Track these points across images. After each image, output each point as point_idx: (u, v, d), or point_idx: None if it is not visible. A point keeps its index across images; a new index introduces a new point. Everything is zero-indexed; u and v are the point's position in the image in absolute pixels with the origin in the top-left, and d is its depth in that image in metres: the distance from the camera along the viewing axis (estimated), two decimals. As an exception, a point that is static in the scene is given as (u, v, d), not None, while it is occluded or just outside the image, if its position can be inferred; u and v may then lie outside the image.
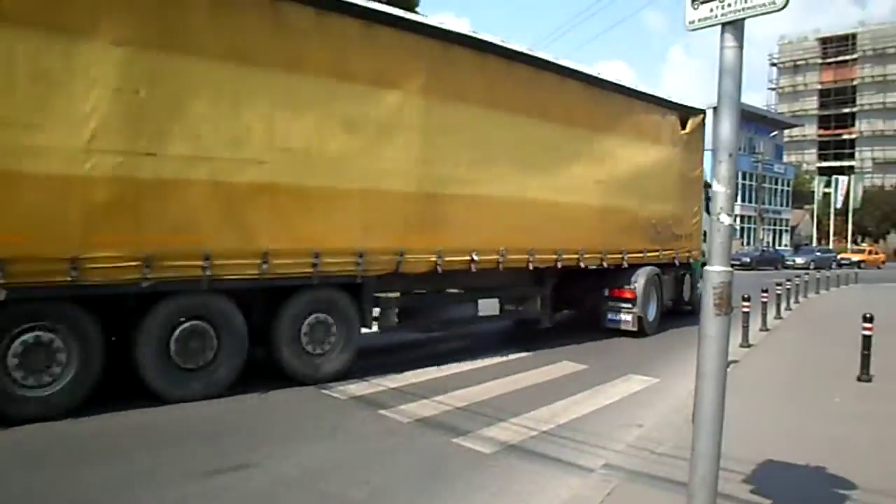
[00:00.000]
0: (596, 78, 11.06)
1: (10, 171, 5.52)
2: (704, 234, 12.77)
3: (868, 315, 8.32)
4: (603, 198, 11.04)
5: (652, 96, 12.43)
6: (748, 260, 39.64)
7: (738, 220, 48.66)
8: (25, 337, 5.80)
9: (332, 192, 7.53)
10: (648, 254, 12.12)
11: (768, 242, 55.06)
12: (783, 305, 15.26)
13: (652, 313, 12.15)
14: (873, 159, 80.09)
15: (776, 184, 58.98)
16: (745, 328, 10.70)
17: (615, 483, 4.65)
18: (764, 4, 3.37)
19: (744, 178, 51.03)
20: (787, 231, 61.58)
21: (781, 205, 60.11)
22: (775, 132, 57.97)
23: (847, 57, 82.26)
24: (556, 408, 6.95)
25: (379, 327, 8.70)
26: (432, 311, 9.96)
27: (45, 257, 5.70)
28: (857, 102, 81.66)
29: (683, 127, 12.87)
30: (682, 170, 12.86)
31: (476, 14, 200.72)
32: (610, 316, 11.74)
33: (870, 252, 53.52)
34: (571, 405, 7.11)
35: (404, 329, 9.73)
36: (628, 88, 11.82)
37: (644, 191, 11.87)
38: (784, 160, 64.92)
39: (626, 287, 11.59)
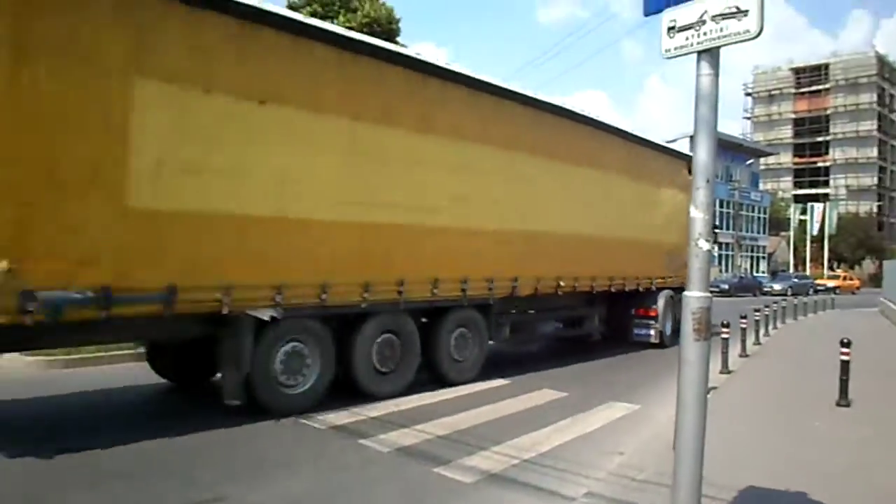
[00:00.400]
0: (633, 135, 13.40)
1: (294, 219, 7.33)
2: None
3: (846, 340, 8.39)
4: (640, 234, 13.45)
5: (669, 149, 15.19)
6: (727, 286, 39.89)
7: (716, 247, 49.03)
8: (286, 347, 7.46)
9: (480, 232, 9.65)
10: (668, 279, 14.33)
11: (746, 269, 55.60)
12: (762, 331, 15.36)
13: (668, 328, 14.16)
14: (847, 186, 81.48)
15: (753, 211, 59.71)
16: (725, 354, 10.73)
17: (597, 512, 4.61)
18: (738, 33, 3.43)
19: (721, 206, 51.56)
20: (764, 258, 62.23)
21: (758, 232, 60.79)
22: (751, 160, 58.82)
23: (820, 87, 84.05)
24: (537, 436, 6.90)
25: (495, 341, 10.62)
26: (529, 327, 11.78)
27: (307, 284, 7.39)
28: (831, 131, 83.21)
29: (690, 173, 14.24)
30: (688, 208, 14.22)
31: (455, 44, 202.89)
32: (636, 331, 13.91)
33: (845, 278, 54.20)
34: (553, 433, 7.06)
35: (510, 342, 11.60)
36: (653, 143, 14.47)
37: (664, 227, 14.17)
38: (760, 188, 65.79)
39: (652, 307, 13.82)
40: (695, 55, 3.62)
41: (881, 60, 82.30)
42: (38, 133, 5.51)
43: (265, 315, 7.01)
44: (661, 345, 13.62)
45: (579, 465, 5.89)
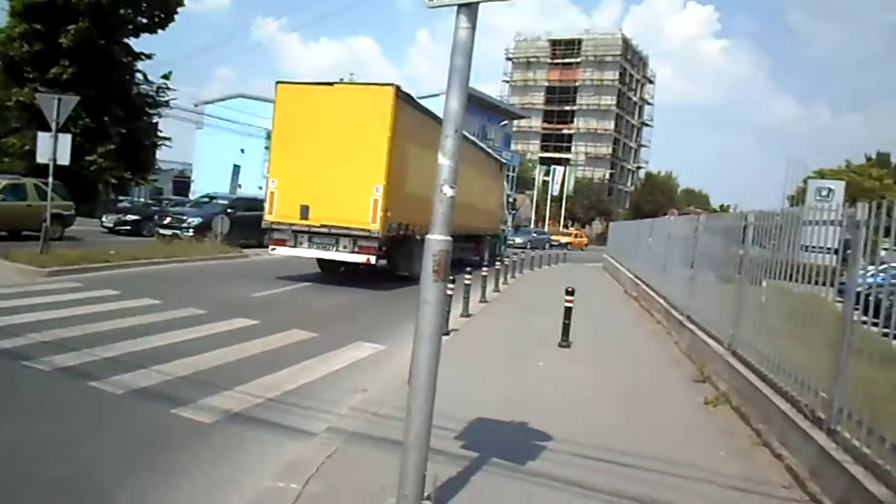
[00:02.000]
0: (489, 151, 27.21)
1: (427, 196, 11.79)
2: (504, 220, 30.96)
3: (570, 289, 9.36)
4: (484, 203, 24.21)
5: (497, 157, 29.61)
6: (474, 237, 42.27)
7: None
8: (418, 250, 13.68)
9: (461, 203, 16.71)
10: (489, 230, 24.78)
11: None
12: (501, 280, 16.60)
13: (486, 257, 22.66)
14: (586, 153, 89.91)
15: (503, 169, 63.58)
16: (466, 299, 11.48)
17: (336, 445, 4.75)
18: (497, -8, 3.59)
19: (477, 162, 54.22)
20: (510, 213, 66.80)
21: (507, 188, 64.97)
22: (506, 122, 62.44)
23: (572, 60, 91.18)
24: (282, 375, 6.89)
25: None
26: (458, 251, 18.23)
27: (426, 224, 12.95)
28: (577, 102, 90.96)
29: (500, 169, 29.25)
30: (499, 188, 28.50)
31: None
32: (472, 256, 22.36)
33: (575, 236, 60.07)
34: (299, 372, 7.09)
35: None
36: (492, 154, 28.12)
37: (491, 199, 25.83)
38: (512, 148, 70.23)
39: (479, 244, 23.54)
40: (455, 8, 3.71)
41: (626, 42, 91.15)
42: (395, 165, 14.03)
43: (419, 237, 13.63)
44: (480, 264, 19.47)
45: (323, 403, 6.00)
